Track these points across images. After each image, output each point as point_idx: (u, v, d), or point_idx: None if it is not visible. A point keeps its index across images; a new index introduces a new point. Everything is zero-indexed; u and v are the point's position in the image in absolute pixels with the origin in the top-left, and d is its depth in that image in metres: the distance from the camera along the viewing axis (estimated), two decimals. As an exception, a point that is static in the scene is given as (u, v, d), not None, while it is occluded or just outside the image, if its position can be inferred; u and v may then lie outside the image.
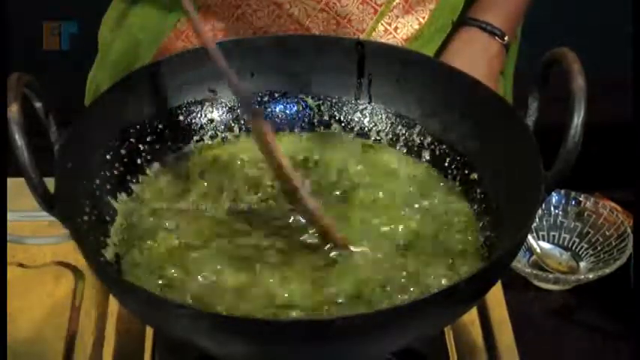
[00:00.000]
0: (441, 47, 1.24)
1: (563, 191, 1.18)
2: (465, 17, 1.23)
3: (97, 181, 0.93)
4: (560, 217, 1.17)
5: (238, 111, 1.02)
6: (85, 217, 0.90)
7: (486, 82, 1.16)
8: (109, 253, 0.91)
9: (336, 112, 1.04)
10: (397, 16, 1.19)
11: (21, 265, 1.09)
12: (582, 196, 1.17)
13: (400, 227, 0.93)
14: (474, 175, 0.97)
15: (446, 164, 0.99)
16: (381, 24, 1.19)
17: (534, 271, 1.11)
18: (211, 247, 0.92)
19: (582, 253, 1.16)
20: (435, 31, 1.23)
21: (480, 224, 0.94)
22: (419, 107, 1.01)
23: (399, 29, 1.20)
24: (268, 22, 1.18)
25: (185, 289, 0.88)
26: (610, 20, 1.99)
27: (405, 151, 1.01)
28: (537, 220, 1.17)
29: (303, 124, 1.04)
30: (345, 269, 0.89)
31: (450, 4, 1.23)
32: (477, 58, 1.21)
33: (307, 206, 0.90)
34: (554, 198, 1.17)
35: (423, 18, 1.21)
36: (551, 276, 1.11)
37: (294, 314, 0.85)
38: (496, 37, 1.21)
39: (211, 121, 1.03)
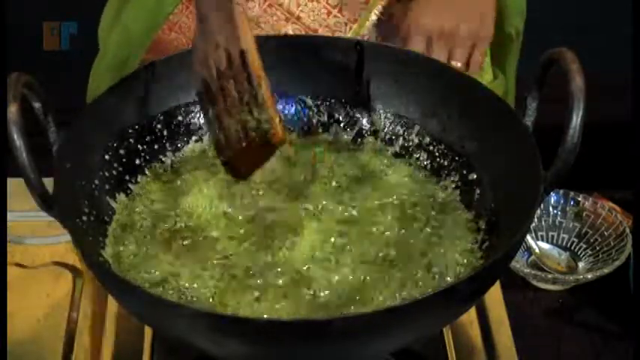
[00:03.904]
0: None
1: (561, 191, 1.18)
2: None
3: (96, 182, 0.94)
4: (558, 217, 1.17)
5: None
6: (84, 218, 0.90)
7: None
8: (107, 253, 0.91)
9: (334, 113, 1.04)
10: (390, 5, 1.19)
11: (20, 265, 1.09)
12: (581, 196, 1.17)
13: (396, 227, 0.93)
14: (473, 176, 0.97)
15: (444, 164, 0.99)
16: (374, 13, 1.19)
17: (533, 271, 1.11)
18: (210, 248, 0.92)
19: (581, 253, 1.16)
20: None
21: (479, 224, 0.94)
22: (418, 107, 1.01)
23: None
24: (259, 13, 1.18)
25: (184, 289, 0.88)
26: (610, 20, 1.99)
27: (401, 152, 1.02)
28: (536, 220, 1.17)
29: (301, 124, 1.04)
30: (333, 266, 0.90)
31: None
32: None
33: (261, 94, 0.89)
34: (553, 198, 1.17)
35: None
36: (549, 276, 1.11)
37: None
38: None
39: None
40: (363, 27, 1.18)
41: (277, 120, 0.89)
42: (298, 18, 1.17)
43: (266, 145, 0.89)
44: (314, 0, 1.17)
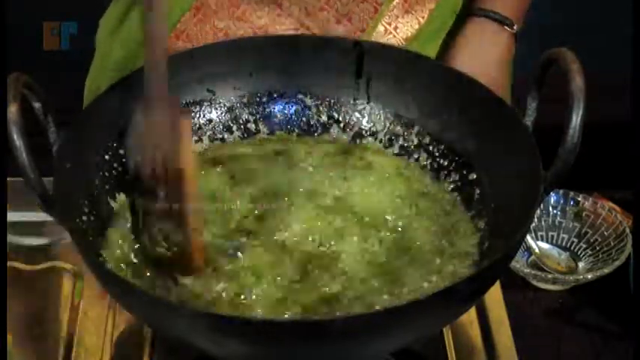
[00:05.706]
0: (450, 40, 1.24)
1: (561, 191, 1.18)
2: (473, 8, 1.23)
3: (96, 182, 0.94)
4: (558, 217, 1.17)
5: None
6: (84, 218, 0.90)
7: (497, 71, 1.15)
8: (107, 253, 0.91)
9: (334, 113, 1.04)
10: (397, 16, 1.20)
11: (20, 265, 1.09)
12: (581, 196, 1.17)
13: (396, 227, 0.93)
14: (473, 176, 0.97)
15: (444, 164, 0.99)
16: (381, 24, 1.19)
17: (533, 271, 1.11)
18: (210, 246, 0.92)
19: (581, 253, 1.16)
20: (435, 31, 1.23)
21: (479, 224, 0.94)
22: (417, 107, 1.01)
23: (398, 29, 1.20)
24: (268, 22, 1.18)
25: (183, 288, 0.88)
26: (610, 20, 1.99)
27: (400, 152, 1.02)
28: (536, 220, 1.17)
29: (301, 125, 1.04)
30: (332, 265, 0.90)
31: (450, 4, 1.23)
32: (487, 48, 1.21)
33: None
34: (553, 198, 1.17)
35: (423, 18, 1.21)
36: (549, 276, 1.11)
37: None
38: (505, 26, 1.21)
39: (210, 121, 1.03)
40: (370, 37, 1.18)
41: (196, 252, 0.88)
42: (308, 28, 1.17)
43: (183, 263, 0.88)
44: (324, 10, 1.17)
